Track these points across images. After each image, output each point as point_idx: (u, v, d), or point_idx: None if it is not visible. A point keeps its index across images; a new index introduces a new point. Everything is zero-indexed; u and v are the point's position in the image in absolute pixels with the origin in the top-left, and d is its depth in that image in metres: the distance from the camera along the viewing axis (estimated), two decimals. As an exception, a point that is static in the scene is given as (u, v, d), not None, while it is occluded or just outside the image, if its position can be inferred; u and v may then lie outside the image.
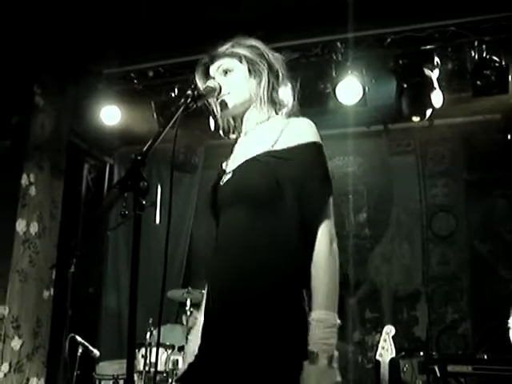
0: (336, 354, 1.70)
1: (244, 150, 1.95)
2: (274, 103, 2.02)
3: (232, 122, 2.09)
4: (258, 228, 1.80)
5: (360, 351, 5.94)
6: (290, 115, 1.99)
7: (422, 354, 5.02)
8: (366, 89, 4.98)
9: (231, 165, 1.97)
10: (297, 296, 1.76)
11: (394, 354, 4.14)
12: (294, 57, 5.11)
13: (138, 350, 4.76)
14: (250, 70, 1.99)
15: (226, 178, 1.94)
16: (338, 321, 1.73)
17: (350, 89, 4.93)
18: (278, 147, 1.86)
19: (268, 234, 1.79)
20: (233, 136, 2.10)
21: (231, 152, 2.06)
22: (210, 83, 1.97)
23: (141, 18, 4.88)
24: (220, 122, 2.10)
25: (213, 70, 2.03)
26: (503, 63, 4.75)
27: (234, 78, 1.99)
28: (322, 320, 1.70)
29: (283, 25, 4.70)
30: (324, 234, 1.77)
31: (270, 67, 2.00)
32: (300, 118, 1.94)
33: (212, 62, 2.03)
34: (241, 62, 1.99)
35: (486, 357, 4.62)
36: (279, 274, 1.76)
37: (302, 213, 1.79)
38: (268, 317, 1.72)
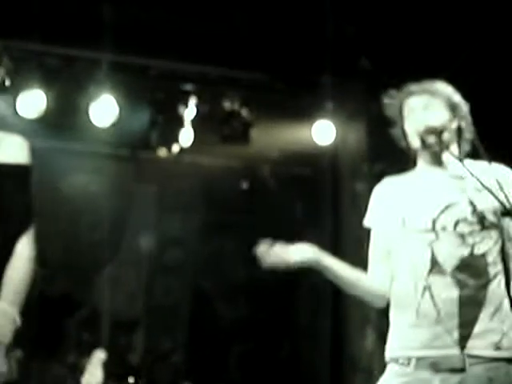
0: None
1: None
2: None
3: None
4: None
5: (72, 374, 5.79)
6: None
7: (130, 380, 5.11)
8: (121, 113, 5.01)
9: None
10: None
11: (99, 379, 4.14)
12: (57, 66, 4.98)
13: None
14: None
15: None
16: (18, 319, 1.93)
17: (104, 109, 4.91)
18: None
19: None
20: None
21: None
22: None
23: None
24: None
25: None
26: (249, 118, 5.21)
27: None
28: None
29: (51, 30, 4.55)
30: (23, 248, 1.98)
31: None
32: (14, 135, 2.05)
33: None
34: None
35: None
36: None
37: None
38: None
